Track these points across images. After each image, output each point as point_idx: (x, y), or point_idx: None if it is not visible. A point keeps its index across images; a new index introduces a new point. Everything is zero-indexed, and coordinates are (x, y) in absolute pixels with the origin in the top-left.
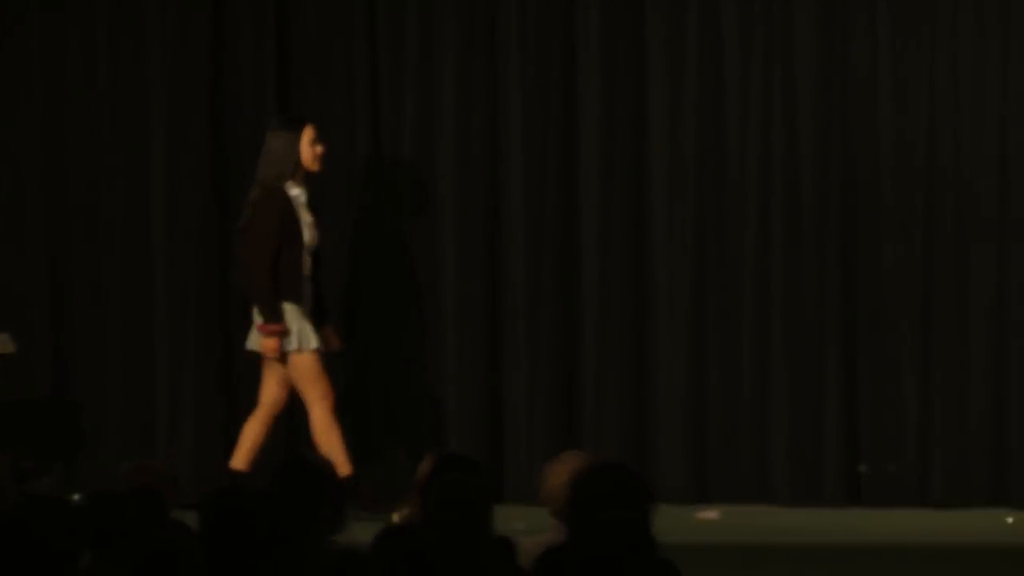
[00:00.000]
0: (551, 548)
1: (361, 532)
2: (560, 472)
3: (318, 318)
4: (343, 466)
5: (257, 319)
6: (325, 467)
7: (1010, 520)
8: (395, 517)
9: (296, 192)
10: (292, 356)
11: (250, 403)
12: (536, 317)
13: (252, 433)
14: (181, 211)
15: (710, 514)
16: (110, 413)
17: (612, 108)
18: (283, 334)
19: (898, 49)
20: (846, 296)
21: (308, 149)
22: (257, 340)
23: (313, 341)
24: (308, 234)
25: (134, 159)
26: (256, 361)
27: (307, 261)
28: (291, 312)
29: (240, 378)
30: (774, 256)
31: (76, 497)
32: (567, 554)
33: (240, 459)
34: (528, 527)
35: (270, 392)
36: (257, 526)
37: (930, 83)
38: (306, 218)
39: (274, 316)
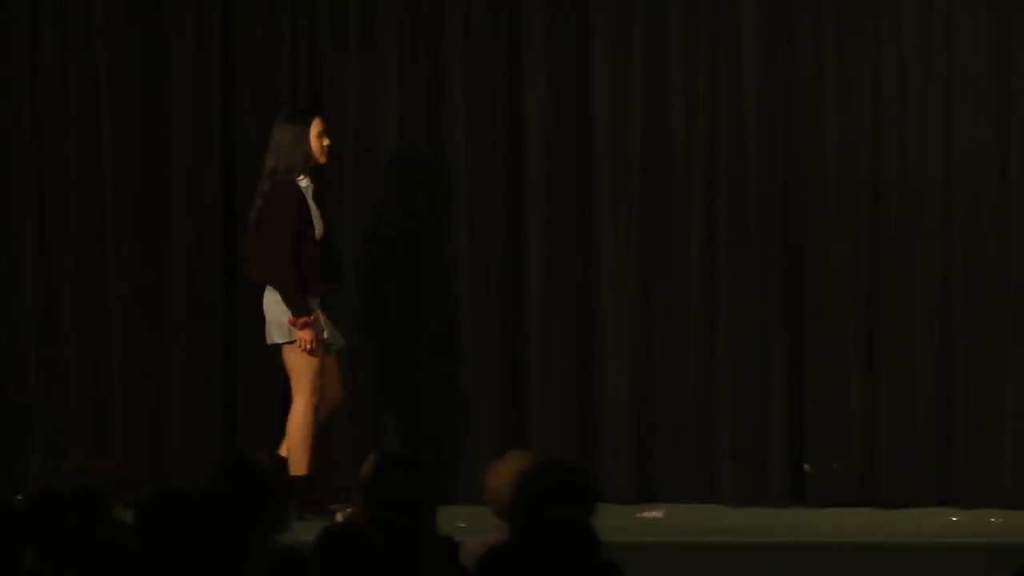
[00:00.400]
0: (494, 547)
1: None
2: (504, 472)
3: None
4: (300, 466)
5: (280, 314)
6: (269, 466)
7: (955, 519)
8: (339, 517)
9: (305, 184)
10: (284, 348)
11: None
12: (481, 316)
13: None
14: (125, 207)
15: (654, 513)
16: (63, 413)
17: (557, 108)
18: (313, 324)
19: (843, 48)
20: (791, 296)
21: (316, 141)
22: (277, 332)
23: (329, 338)
24: (317, 226)
25: (85, 160)
26: (275, 357)
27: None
28: (313, 304)
29: (195, 377)
30: (719, 256)
31: (19, 498)
32: (510, 553)
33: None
34: (472, 527)
35: (328, 390)
36: (197, 525)
37: (875, 82)
38: (314, 210)
39: (303, 308)
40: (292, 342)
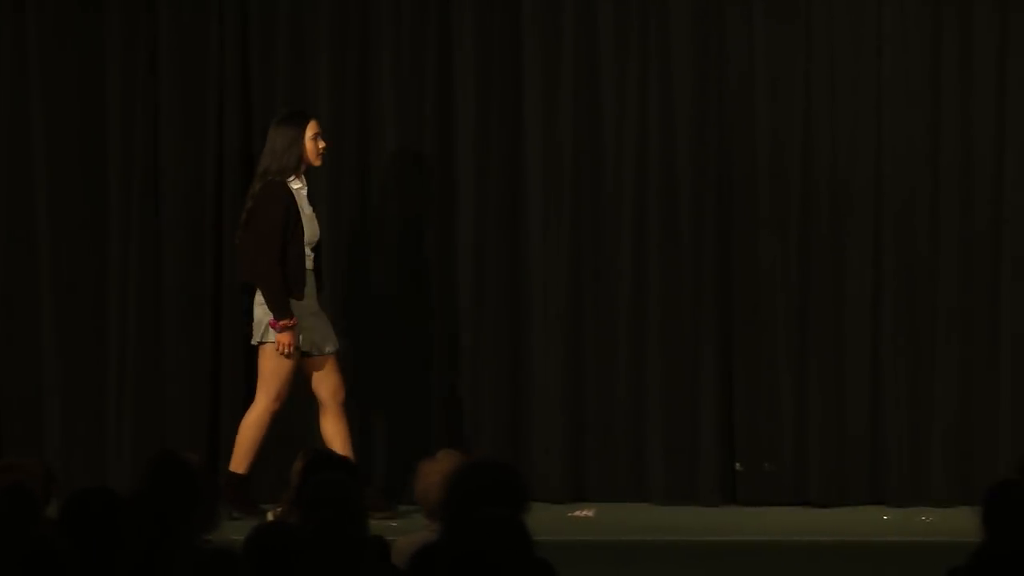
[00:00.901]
0: (425, 547)
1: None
2: (434, 471)
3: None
4: (241, 464)
5: (263, 316)
6: (198, 465)
7: (886, 518)
8: (269, 515)
9: (297, 186)
10: (262, 347)
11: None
12: (412, 316)
13: (329, 432)
14: (60, 206)
15: (586, 512)
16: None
17: (487, 107)
18: (294, 327)
19: (774, 44)
20: (722, 295)
21: (311, 144)
22: (263, 334)
23: (304, 344)
24: (309, 228)
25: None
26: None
27: (309, 255)
28: (295, 307)
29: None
30: (650, 255)
31: None
32: (441, 552)
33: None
34: (403, 526)
35: (325, 388)
36: (123, 525)
37: (806, 79)
38: (307, 212)
39: (285, 311)
40: (269, 343)
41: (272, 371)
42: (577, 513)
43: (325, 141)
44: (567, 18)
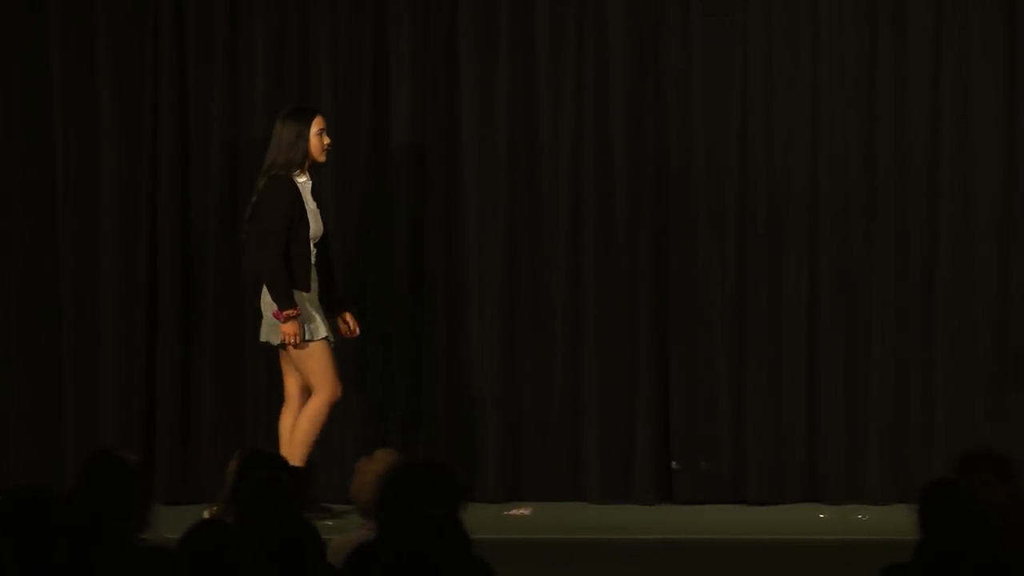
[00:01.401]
0: (361, 545)
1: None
2: (369, 470)
3: (329, 306)
4: (299, 460)
5: (268, 308)
6: (135, 464)
7: (823, 516)
8: (205, 514)
9: (303, 180)
10: (290, 347)
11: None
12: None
13: (286, 425)
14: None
15: (522, 511)
16: None
17: (423, 107)
18: (298, 318)
19: (710, 44)
20: (659, 293)
21: (316, 139)
22: (271, 331)
23: (322, 331)
24: (315, 223)
25: None
26: (272, 354)
27: (313, 250)
28: (307, 301)
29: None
30: (586, 254)
31: None
32: (378, 551)
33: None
34: (338, 525)
35: (295, 382)
36: (58, 524)
37: (743, 78)
38: (312, 207)
39: (289, 302)
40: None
41: (314, 366)
42: (513, 512)
43: (329, 137)
44: (503, 17)
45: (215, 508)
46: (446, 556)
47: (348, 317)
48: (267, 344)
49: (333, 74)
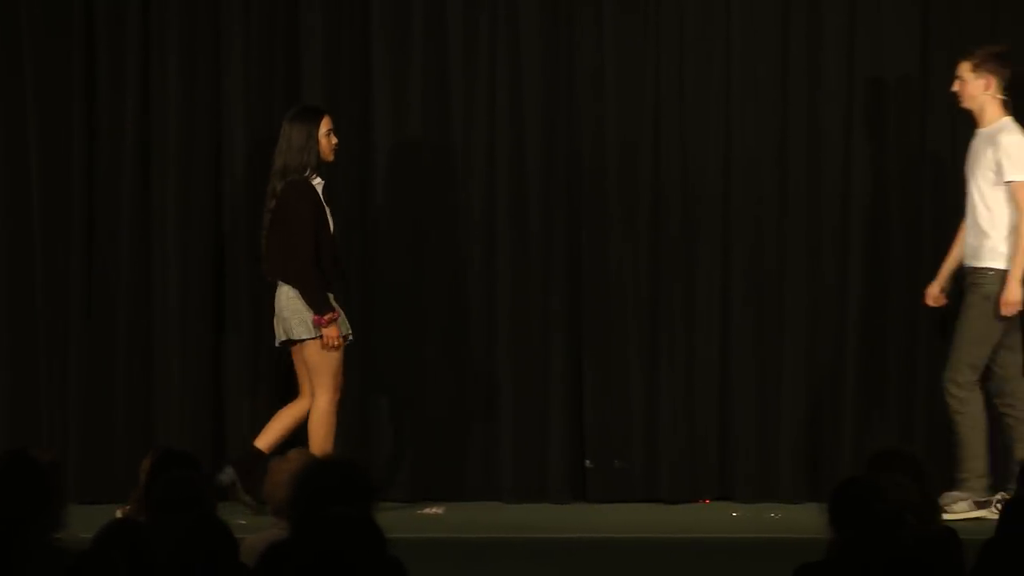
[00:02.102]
0: (274, 544)
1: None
2: (282, 470)
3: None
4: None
5: (292, 310)
6: (48, 463)
7: (735, 514)
8: (118, 513)
9: (318, 181)
10: (308, 344)
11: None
12: (260, 314)
13: (283, 415)
14: None
15: (435, 510)
16: None
17: (336, 109)
18: (337, 320)
19: (623, 46)
20: (573, 294)
21: (325, 140)
22: (292, 329)
23: (343, 329)
24: (332, 221)
25: None
26: (285, 355)
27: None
28: (334, 302)
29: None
30: (500, 254)
31: None
32: (291, 550)
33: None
34: (252, 524)
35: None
36: None
37: (655, 80)
38: (327, 206)
39: (326, 305)
40: (316, 338)
41: (324, 366)
42: (427, 511)
43: (336, 137)
44: (416, 20)
45: (128, 507)
46: (360, 555)
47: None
48: (286, 344)
49: (246, 81)
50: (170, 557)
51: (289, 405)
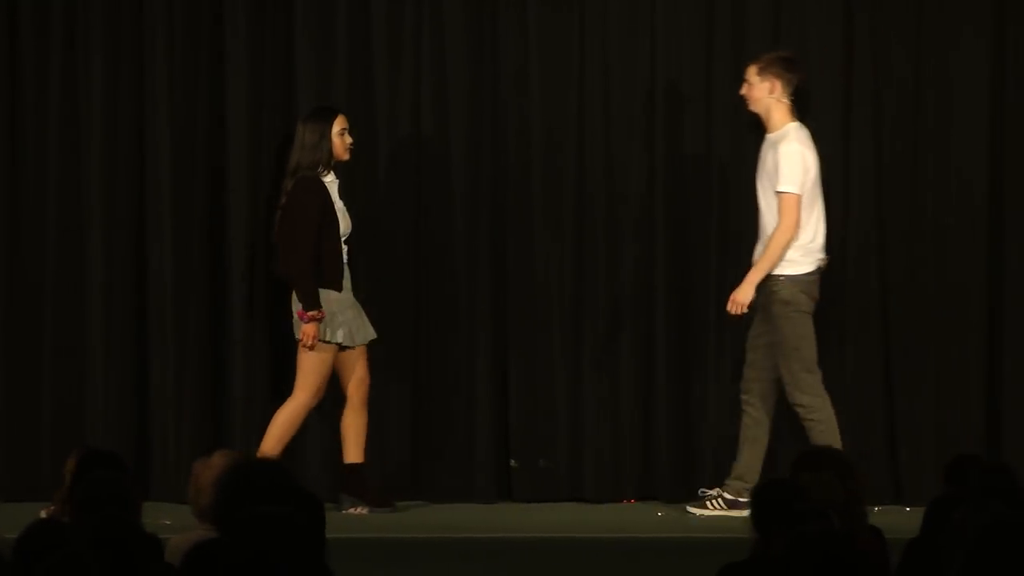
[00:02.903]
0: (199, 544)
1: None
2: (205, 472)
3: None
4: (273, 449)
5: (296, 306)
6: None
7: (660, 514)
8: (42, 513)
9: (330, 180)
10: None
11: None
12: (184, 313)
13: (345, 425)
14: None
15: (359, 510)
16: None
17: (259, 106)
18: (321, 320)
19: (547, 45)
20: (497, 294)
21: (339, 139)
22: (295, 330)
23: (339, 335)
24: (343, 222)
25: None
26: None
27: (345, 248)
28: (335, 301)
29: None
30: (425, 253)
31: None
32: (216, 551)
33: (352, 453)
34: (177, 524)
35: (350, 381)
36: None
37: (579, 79)
38: (340, 205)
39: (313, 303)
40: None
41: (309, 367)
42: (351, 511)
43: (352, 136)
44: (340, 15)
45: (52, 507)
46: (285, 556)
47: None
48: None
49: (170, 81)
50: (93, 557)
51: (344, 413)
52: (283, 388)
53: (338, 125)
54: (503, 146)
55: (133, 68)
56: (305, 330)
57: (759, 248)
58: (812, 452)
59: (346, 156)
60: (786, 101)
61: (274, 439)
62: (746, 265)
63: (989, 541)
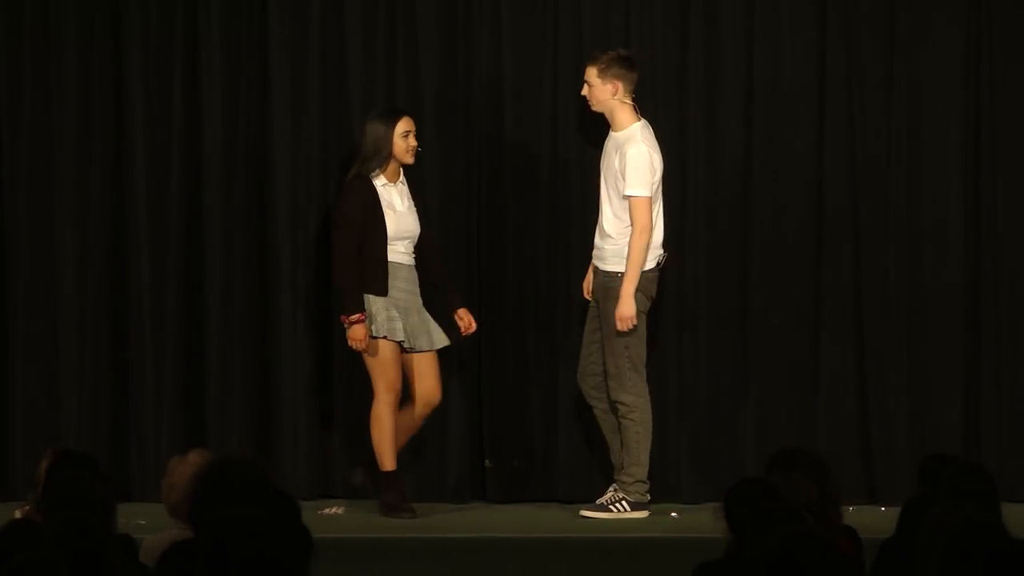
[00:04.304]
0: (175, 544)
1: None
2: (180, 470)
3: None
4: (384, 462)
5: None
6: None
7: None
8: (17, 514)
9: (383, 182)
10: (370, 343)
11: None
12: (162, 315)
13: (401, 428)
14: None
15: (335, 510)
16: None
17: (235, 106)
18: (361, 323)
19: (522, 47)
20: (472, 296)
21: (401, 141)
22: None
23: (399, 333)
24: (399, 223)
25: None
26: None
27: (397, 249)
28: (376, 302)
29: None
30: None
31: None
32: (192, 550)
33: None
34: (152, 525)
35: (412, 386)
36: None
37: (553, 85)
38: (399, 207)
39: (354, 305)
40: (377, 338)
41: (371, 366)
42: (326, 511)
43: (416, 139)
44: (314, 14)
45: (26, 508)
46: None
47: (462, 314)
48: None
49: (145, 77)
50: (67, 558)
51: (399, 412)
52: (261, 389)
53: (402, 127)
54: (477, 151)
55: (107, 68)
56: (350, 335)
57: (597, 240)
58: (786, 452)
59: (409, 159)
60: (628, 101)
61: (380, 447)
62: (724, 266)
63: (961, 542)
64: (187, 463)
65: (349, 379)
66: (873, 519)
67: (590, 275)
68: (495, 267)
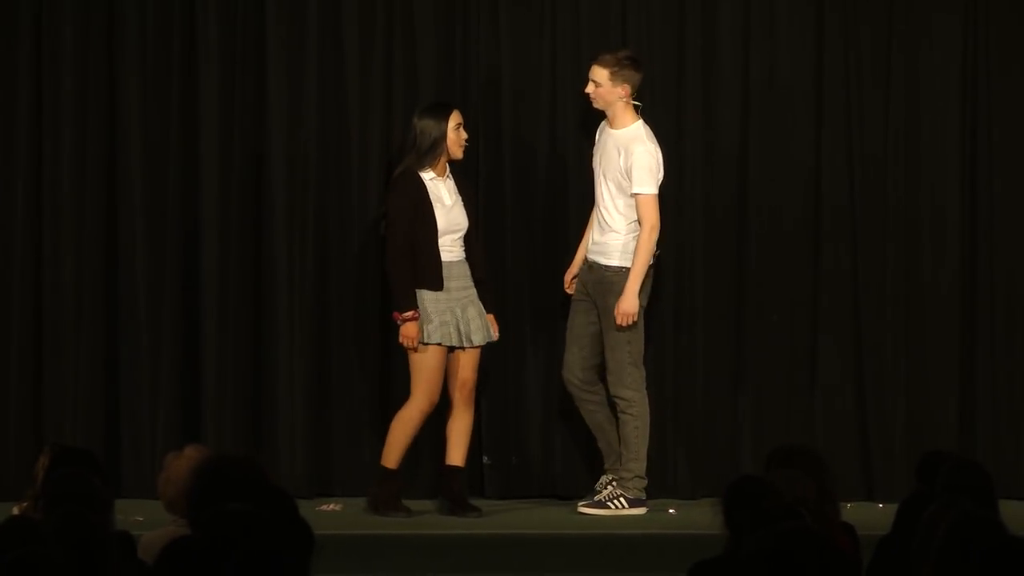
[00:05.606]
0: (174, 540)
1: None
2: (177, 467)
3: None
4: (389, 459)
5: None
6: None
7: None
8: (15, 510)
9: (431, 176)
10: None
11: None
12: (157, 312)
13: (449, 426)
14: None
15: (333, 506)
16: None
17: (231, 106)
18: (415, 320)
19: (519, 43)
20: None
21: (453, 135)
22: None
23: (436, 336)
24: (448, 218)
25: None
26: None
27: (445, 244)
28: (433, 302)
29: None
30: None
31: None
32: (190, 546)
33: (450, 455)
34: (149, 521)
35: (452, 382)
36: None
37: (551, 84)
38: (448, 202)
39: (406, 303)
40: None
41: (415, 367)
42: (324, 507)
43: (467, 133)
44: (311, 24)
45: (25, 504)
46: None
47: (490, 320)
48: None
49: (142, 80)
50: (65, 555)
51: (450, 415)
52: (257, 385)
53: (453, 120)
54: (474, 147)
55: (103, 68)
56: (401, 331)
57: (596, 235)
58: (784, 449)
59: (459, 153)
60: (633, 102)
61: (391, 448)
62: (719, 263)
63: (958, 538)
64: (183, 458)
65: (346, 377)
66: (870, 516)
67: (574, 268)
68: (492, 264)
